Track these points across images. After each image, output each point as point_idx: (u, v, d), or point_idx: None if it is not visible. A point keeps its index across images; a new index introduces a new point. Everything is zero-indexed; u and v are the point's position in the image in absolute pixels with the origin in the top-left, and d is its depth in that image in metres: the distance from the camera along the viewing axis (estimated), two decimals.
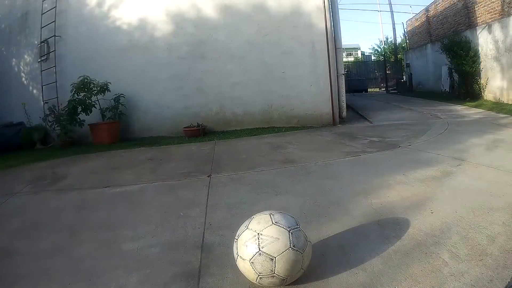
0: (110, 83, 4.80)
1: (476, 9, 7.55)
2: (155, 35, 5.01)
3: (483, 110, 5.37)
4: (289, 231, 1.05)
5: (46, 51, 5.27)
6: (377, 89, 18.04)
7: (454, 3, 8.72)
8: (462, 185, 1.87)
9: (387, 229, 1.42)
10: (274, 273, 1.02)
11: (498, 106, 5.55)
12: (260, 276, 1.03)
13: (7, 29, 5.96)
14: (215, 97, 4.97)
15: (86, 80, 4.65)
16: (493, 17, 6.78)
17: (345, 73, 5.99)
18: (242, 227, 1.13)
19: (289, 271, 1.03)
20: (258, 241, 1.04)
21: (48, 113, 4.86)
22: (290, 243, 1.03)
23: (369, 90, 17.65)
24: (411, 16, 16.46)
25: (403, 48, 18.20)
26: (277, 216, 1.10)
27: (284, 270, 1.02)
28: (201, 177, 2.45)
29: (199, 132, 4.60)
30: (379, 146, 3.08)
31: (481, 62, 7.08)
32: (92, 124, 4.79)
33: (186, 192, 2.14)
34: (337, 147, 3.23)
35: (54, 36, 5.20)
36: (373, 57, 25.31)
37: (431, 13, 10.80)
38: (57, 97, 5.09)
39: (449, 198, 1.70)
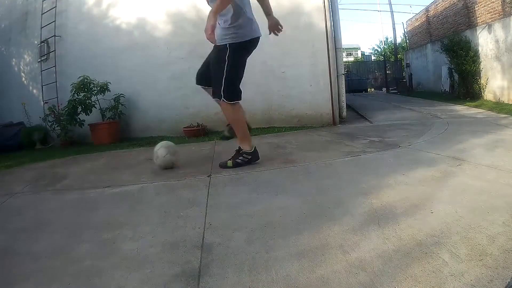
0: (110, 83, 4.80)
1: (476, 9, 7.56)
2: (155, 35, 5.01)
3: (484, 110, 5.37)
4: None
5: (46, 51, 5.28)
6: (377, 89, 18.06)
7: (454, 3, 8.72)
8: (462, 185, 1.87)
9: (387, 229, 1.42)
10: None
11: (499, 106, 5.56)
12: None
13: (7, 29, 5.97)
14: None
15: (86, 80, 4.66)
16: (493, 17, 6.79)
17: (345, 73, 5.99)
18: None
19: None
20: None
21: (48, 113, 4.87)
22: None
23: (369, 90, 17.69)
24: (411, 16, 16.51)
25: (403, 48, 18.23)
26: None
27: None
28: (201, 177, 2.45)
29: (199, 132, 4.60)
30: (379, 146, 3.08)
31: (481, 62, 7.09)
32: (92, 124, 4.80)
33: (186, 192, 2.14)
34: (337, 147, 3.23)
35: (54, 36, 5.21)
36: (373, 57, 25.38)
37: (431, 13, 10.80)
38: (57, 97, 5.10)
39: (449, 198, 1.70)
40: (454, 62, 7.50)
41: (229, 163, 2.58)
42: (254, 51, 5.26)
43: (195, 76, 2.69)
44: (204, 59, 2.74)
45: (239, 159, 2.58)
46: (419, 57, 11.95)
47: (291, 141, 3.66)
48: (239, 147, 2.62)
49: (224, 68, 2.39)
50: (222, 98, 2.46)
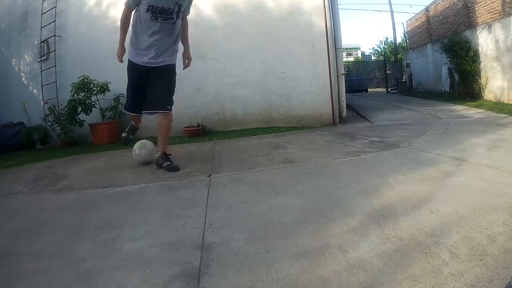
0: (110, 83, 4.80)
1: (476, 9, 7.55)
2: None
3: (484, 110, 5.37)
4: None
5: (46, 51, 5.27)
6: (377, 89, 18.05)
7: (454, 3, 8.72)
8: (462, 185, 1.87)
9: (387, 229, 1.42)
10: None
11: (499, 106, 5.56)
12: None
13: (7, 29, 5.96)
14: (215, 97, 4.97)
15: (86, 80, 4.65)
16: (493, 17, 6.78)
17: (345, 73, 5.99)
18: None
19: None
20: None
21: (48, 113, 4.86)
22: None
23: (369, 90, 17.67)
24: (411, 16, 16.48)
25: (403, 48, 18.21)
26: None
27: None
28: (201, 177, 2.45)
29: (199, 132, 4.60)
30: (379, 146, 3.08)
31: (481, 62, 7.08)
32: (92, 124, 4.79)
33: (186, 192, 2.14)
34: (337, 147, 3.24)
35: (54, 36, 5.20)
36: (373, 57, 25.35)
37: (431, 13, 10.80)
38: (57, 97, 5.09)
39: (449, 198, 1.70)
40: (454, 62, 7.50)
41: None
42: (253, 51, 5.42)
43: (168, 102, 2.79)
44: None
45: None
46: (419, 57, 11.94)
47: (291, 141, 3.66)
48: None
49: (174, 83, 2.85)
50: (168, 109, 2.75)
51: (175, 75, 2.84)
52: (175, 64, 2.81)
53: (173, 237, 1.52)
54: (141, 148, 2.98)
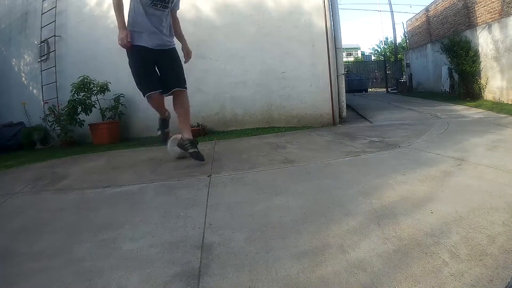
0: (110, 83, 4.80)
1: (476, 9, 7.55)
2: None
3: (483, 110, 5.37)
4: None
5: (46, 51, 5.28)
6: (377, 89, 18.05)
7: (454, 3, 8.72)
8: (462, 185, 1.87)
9: (387, 229, 1.42)
10: None
11: (498, 106, 5.56)
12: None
13: (7, 29, 5.97)
14: (215, 97, 4.97)
15: (86, 80, 4.66)
16: (493, 17, 6.79)
17: (345, 73, 5.99)
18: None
19: None
20: None
21: (48, 113, 4.87)
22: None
23: (369, 90, 17.68)
24: (411, 16, 16.50)
25: (403, 48, 18.21)
26: None
27: None
28: (201, 177, 2.45)
29: (199, 132, 4.60)
30: (379, 146, 3.08)
31: (481, 62, 7.08)
32: (92, 124, 4.79)
33: (186, 192, 2.14)
34: (337, 147, 3.24)
35: (54, 36, 5.21)
36: (373, 57, 25.35)
37: (431, 13, 10.80)
38: (57, 97, 5.09)
39: (449, 198, 1.70)
40: (454, 62, 7.50)
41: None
42: (253, 51, 5.39)
43: (183, 80, 2.88)
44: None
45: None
46: (419, 57, 11.94)
47: (291, 141, 3.66)
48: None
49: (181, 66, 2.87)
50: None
51: (179, 57, 2.88)
52: (175, 48, 2.84)
53: (173, 237, 1.52)
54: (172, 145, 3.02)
